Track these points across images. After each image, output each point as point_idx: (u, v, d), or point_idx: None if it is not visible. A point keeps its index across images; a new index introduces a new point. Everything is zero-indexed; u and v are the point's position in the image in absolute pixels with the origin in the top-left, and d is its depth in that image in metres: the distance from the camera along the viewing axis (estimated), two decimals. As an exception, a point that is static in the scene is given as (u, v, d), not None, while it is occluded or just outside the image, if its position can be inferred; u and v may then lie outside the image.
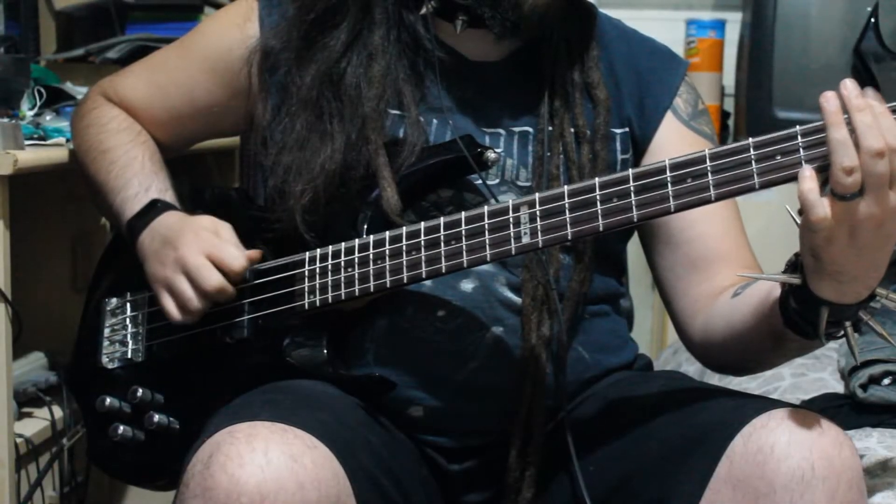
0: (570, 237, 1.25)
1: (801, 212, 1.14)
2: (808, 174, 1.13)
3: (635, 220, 1.22)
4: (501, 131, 1.44)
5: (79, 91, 2.03)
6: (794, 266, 1.21)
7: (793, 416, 1.19)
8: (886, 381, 1.71)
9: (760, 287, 1.30)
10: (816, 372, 1.94)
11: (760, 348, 1.33)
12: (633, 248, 1.56)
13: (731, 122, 2.84)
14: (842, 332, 1.20)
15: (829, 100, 1.12)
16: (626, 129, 1.47)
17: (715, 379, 1.85)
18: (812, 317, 1.19)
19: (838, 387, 1.86)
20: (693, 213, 1.39)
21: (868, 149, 1.10)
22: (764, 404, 1.24)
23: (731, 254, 1.43)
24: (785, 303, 1.23)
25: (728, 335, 1.36)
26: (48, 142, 1.79)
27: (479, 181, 1.40)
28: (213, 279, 1.38)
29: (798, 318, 1.22)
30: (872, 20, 2.38)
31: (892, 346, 1.75)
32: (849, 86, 1.12)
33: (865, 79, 2.36)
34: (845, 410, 1.73)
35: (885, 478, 1.53)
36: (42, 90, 1.94)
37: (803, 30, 2.51)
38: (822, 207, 1.11)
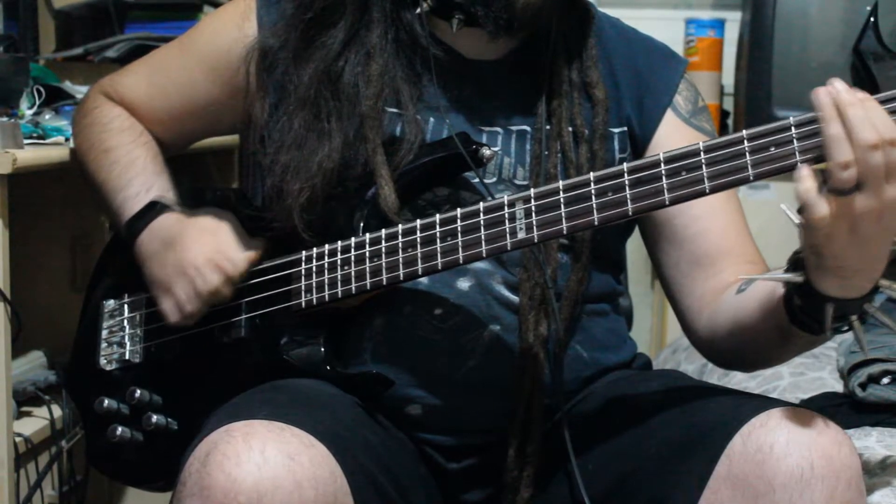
0: (565, 231, 1.25)
1: (800, 211, 1.15)
2: (805, 173, 1.13)
3: (630, 213, 1.22)
4: (499, 130, 1.44)
5: (78, 90, 2.03)
6: (795, 264, 1.21)
7: (792, 416, 1.19)
8: (885, 380, 1.71)
9: (764, 284, 1.30)
10: (815, 371, 1.94)
11: (767, 344, 1.33)
12: (633, 247, 1.56)
13: (730, 121, 2.84)
14: (847, 327, 1.20)
15: (821, 95, 1.12)
16: (625, 129, 1.47)
17: (714, 378, 1.85)
18: (817, 313, 1.19)
19: (837, 386, 1.86)
20: (696, 209, 1.39)
21: (863, 142, 1.10)
22: (763, 403, 1.24)
23: (735, 249, 1.43)
24: (789, 300, 1.23)
25: (734, 332, 1.36)
26: (47, 141, 1.79)
27: (476, 179, 1.40)
28: (211, 281, 1.38)
29: (803, 314, 1.22)
30: (872, 19, 2.38)
31: (891, 346, 1.76)
32: (837, 84, 1.12)
33: (865, 78, 2.36)
34: (844, 409, 1.73)
35: (884, 477, 1.53)
36: (41, 89, 1.94)
37: (803, 29, 2.51)
38: (822, 205, 1.12)
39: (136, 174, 1.52)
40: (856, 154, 1.10)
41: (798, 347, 1.31)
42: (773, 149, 1.15)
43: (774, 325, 1.27)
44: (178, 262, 1.40)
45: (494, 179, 1.43)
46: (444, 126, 1.42)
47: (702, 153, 1.18)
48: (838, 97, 1.11)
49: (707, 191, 1.18)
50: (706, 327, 1.42)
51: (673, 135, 1.46)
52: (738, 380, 1.93)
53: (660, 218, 1.45)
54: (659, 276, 1.50)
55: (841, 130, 1.11)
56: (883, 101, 1.13)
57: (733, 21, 2.83)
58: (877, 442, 1.61)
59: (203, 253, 1.39)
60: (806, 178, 1.13)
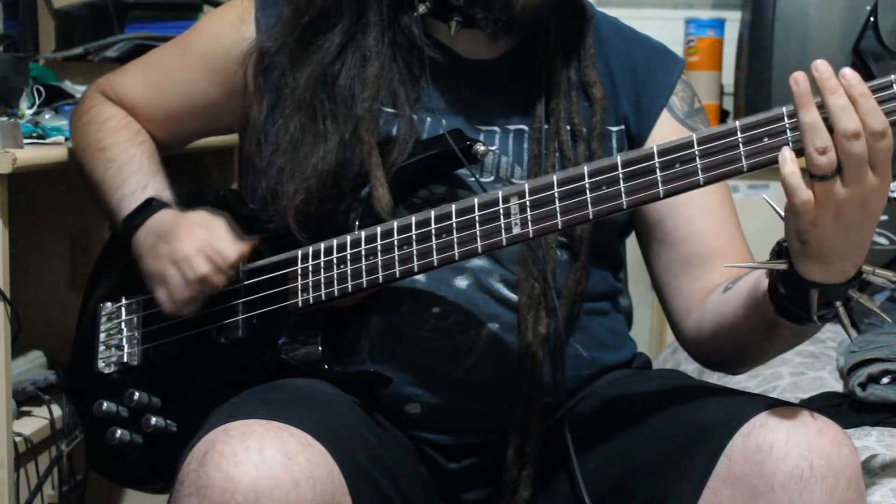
0: (560, 226, 1.25)
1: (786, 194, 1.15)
2: (787, 157, 1.13)
3: (625, 206, 1.22)
4: (496, 129, 1.44)
5: (78, 90, 2.03)
6: (779, 253, 1.21)
7: (792, 415, 1.19)
8: (885, 379, 1.71)
9: (749, 279, 1.31)
10: (815, 371, 1.94)
11: (752, 340, 1.33)
12: (633, 247, 1.56)
13: (730, 120, 2.84)
14: (833, 314, 1.20)
15: (798, 82, 1.11)
16: (622, 127, 1.47)
17: (714, 378, 1.85)
18: (802, 300, 1.20)
19: (837, 386, 1.86)
20: (688, 211, 1.40)
21: (842, 130, 1.10)
22: (763, 403, 1.24)
23: (726, 251, 1.43)
24: (774, 290, 1.23)
25: (719, 329, 1.37)
26: (47, 140, 1.79)
27: (472, 178, 1.40)
28: (200, 267, 1.38)
29: (789, 303, 1.22)
30: (871, 19, 2.38)
31: (891, 346, 1.76)
32: (820, 67, 1.12)
33: (864, 78, 2.36)
34: (844, 409, 1.73)
35: (883, 477, 1.53)
36: (41, 89, 1.94)
37: (802, 29, 2.51)
38: (806, 190, 1.12)
39: (132, 172, 1.52)
40: (836, 140, 1.10)
41: (784, 340, 1.31)
42: (766, 139, 1.15)
43: (759, 319, 1.28)
44: (170, 253, 1.40)
45: (492, 178, 1.43)
46: (440, 126, 1.42)
47: (695, 145, 1.18)
48: (820, 83, 1.11)
49: (701, 182, 1.18)
50: (692, 327, 1.43)
51: (668, 135, 1.46)
52: (737, 380, 1.93)
53: (653, 218, 1.45)
54: (651, 276, 1.51)
55: (816, 118, 1.11)
56: (875, 90, 1.12)
57: (733, 21, 2.83)
58: (877, 442, 1.61)
59: (194, 243, 1.39)
60: (788, 161, 1.13)
